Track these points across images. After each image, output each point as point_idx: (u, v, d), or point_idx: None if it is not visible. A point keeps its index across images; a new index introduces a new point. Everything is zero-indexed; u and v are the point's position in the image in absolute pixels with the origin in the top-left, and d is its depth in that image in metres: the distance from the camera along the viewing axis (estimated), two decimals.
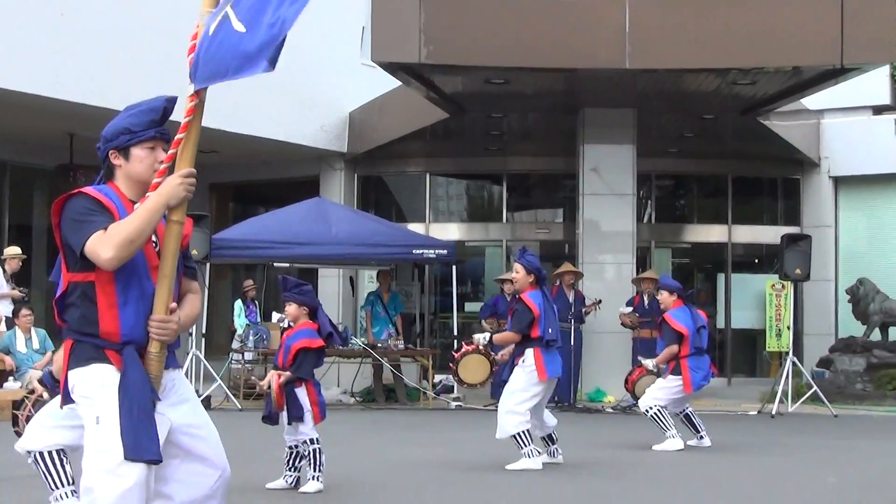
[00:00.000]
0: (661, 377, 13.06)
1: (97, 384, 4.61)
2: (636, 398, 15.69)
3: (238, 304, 20.05)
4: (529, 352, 10.85)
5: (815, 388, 17.65)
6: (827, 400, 17.36)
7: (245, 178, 24.53)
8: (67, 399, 4.74)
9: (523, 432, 10.67)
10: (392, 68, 17.95)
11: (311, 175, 23.67)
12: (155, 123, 4.78)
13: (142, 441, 4.49)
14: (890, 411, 18.04)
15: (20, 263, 17.11)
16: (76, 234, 4.57)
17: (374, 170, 24.31)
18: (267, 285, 21.15)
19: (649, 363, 14.00)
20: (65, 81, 17.68)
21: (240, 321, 19.75)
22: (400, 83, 19.52)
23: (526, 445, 10.67)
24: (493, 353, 13.56)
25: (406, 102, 21.10)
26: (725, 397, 20.42)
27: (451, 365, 14.47)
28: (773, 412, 17.05)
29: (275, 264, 19.14)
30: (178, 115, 4.73)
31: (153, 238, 4.71)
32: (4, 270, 16.56)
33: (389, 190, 25.36)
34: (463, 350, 14.23)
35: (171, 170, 4.69)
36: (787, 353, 18.42)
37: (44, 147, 20.76)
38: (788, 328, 19.78)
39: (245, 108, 20.23)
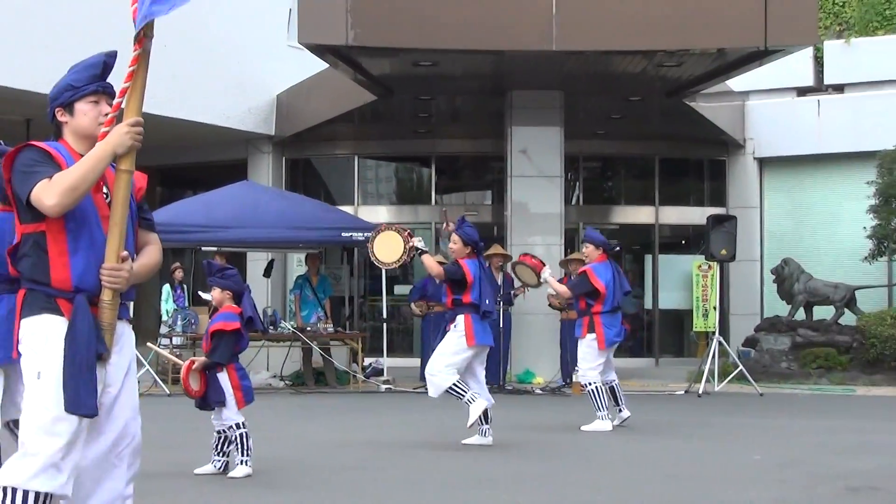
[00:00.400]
0: (578, 337, 13.02)
1: (42, 338, 4.65)
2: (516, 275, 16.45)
3: (166, 288, 19.90)
4: (461, 317, 11.03)
5: (741, 367, 17.84)
6: (753, 379, 17.57)
7: (172, 162, 24.31)
8: (16, 350, 4.79)
9: (455, 384, 10.84)
10: (319, 51, 17.87)
11: (238, 158, 23.52)
12: (96, 78, 4.87)
13: (80, 394, 4.54)
14: (814, 389, 18.28)
15: None
16: (23, 184, 4.63)
17: (303, 153, 24.21)
18: (195, 270, 21.00)
19: (547, 273, 13.98)
20: (20, 70, 17.46)
21: (167, 306, 19.60)
22: (328, 65, 19.43)
23: (465, 393, 10.84)
24: (411, 240, 13.23)
25: (334, 85, 21.01)
26: (653, 377, 20.60)
27: (370, 241, 14.31)
28: (700, 392, 17.22)
29: (203, 248, 19.00)
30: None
31: (104, 189, 4.77)
32: None
33: (318, 173, 25.27)
34: (392, 226, 13.96)
35: (118, 119, 4.74)
36: (713, 333, 18.60)
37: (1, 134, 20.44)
38: (715, 308, 19.97)
39: (171, 91, 20.04)
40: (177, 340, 18.48)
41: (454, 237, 11.30)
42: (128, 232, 4.77)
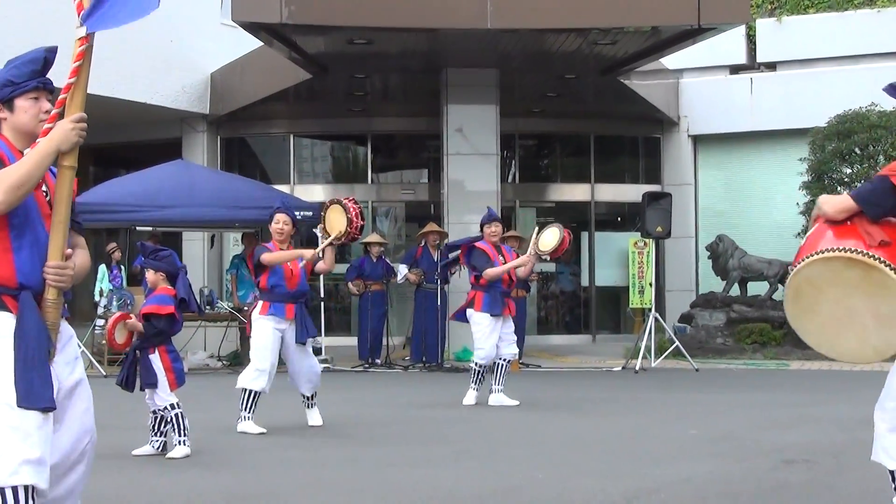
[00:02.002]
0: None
1: None
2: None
3: (101, 268, 19.73)
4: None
5: (677, 343, 17.99)
6: (688, 354, 17.72)
7: (105, 141, 24.03)
8: None
9: None
10: (253, 28, 17.76)
11: (173, 137, 23.35)
12: (37, 74, 4.79)
13: (35, 388, 4.48)
14: (749, 364, 18.47)
15: None
16: None
17: (238, 131, 24.07)
18: (130, 249, 20.81)
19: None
20: None
21: (103, 285, 19.43)
22: (262, 44, 19.32)
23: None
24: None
25: (268, 63, 20.89)
26: (590, 354, 20.73)
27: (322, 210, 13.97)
28: (637, 368, 17.35)
29: (138, 228, 18.85)
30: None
31: (44, 186, 4.72)
32: None
33: (253, 152, 25.15)
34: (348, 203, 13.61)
35: (61, 115, 4.70)
36: (649, 310, 18.73)
37: None
38: (651, 285, 20.11)
39: (102, 69, 19.73)
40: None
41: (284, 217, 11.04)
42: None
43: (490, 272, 12.75)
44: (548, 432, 10.70)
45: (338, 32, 17.89)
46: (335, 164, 25.64)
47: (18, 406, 4.46)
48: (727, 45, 22.65)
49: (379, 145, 24.72)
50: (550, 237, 13.04)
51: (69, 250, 4.71)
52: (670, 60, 22.15)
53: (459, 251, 13.60)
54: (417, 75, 21.02)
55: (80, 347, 12.76)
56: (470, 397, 12.79)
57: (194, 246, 22.04)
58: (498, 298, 12.81)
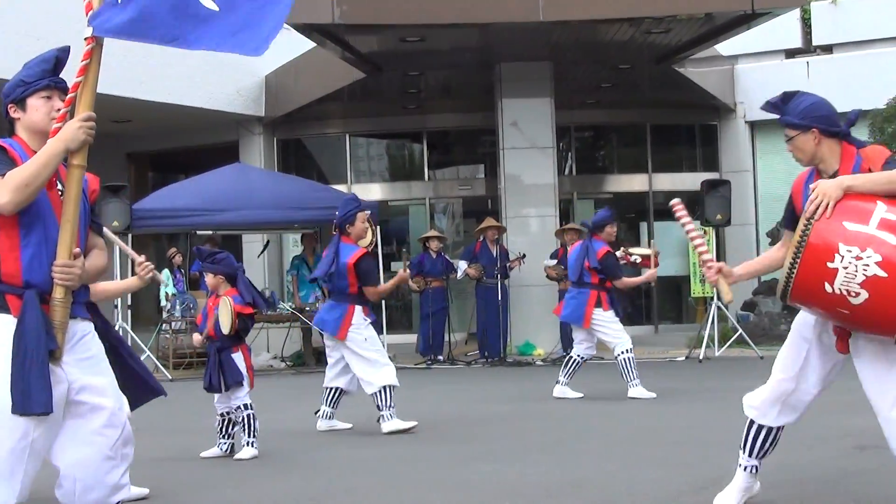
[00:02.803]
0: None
1: None
2: None
3: (165, 272, 19.91)
4: None
5: (740, 331, 17.88)
6: (752, 342, 17.60)
7: (163, 147, 24.27)
8: None
9: None
10: (306, 29, 17.81)
11: (229, 141, 23.47)
12: (48, 73, 4.82)
13: (31, 392, 4.45)
14: None
15: None
16: None
17: (293, 133, 24.15)
18: (190, 254, 20.97)
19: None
20: None
21: (167, 289, 19.60)
22: (315, 44, 19.38)
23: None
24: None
25: (322, 64, 20.94)
26: (653, 345, 20.63)
27: None
28: (701, 357, 17.26)
29: (198, 232, 18.97)
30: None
31: (59, 185, 4.73)
32: None
33: (310, 153, 25.22)
34: None
35: (71, 115, 4.70)
36: (711, 299, 18.63)
37: None
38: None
39: (158, 76, 20.00)
40: (176, 325, 18.47)
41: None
42: (80, 231, 4.74)
43: (627, 282, 13.08)
44: (614, 424, 10.67)
45: (389, 30, 17.91)
46: (391, 163, 25.66)
47: (13, 412, 4.44)
48: (782, 29, 22.43)
49: (434, 142, 24.71)
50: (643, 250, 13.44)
51: (77, 249, 4.69)
52: (725, 47, 21.97)
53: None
54: (471, 71, 21.00)
55: (145, 351, 12.79)
56: (640, 391, 12.68)
57: (254, 248, 22.13)
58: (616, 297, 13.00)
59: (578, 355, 12.89)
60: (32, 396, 4.45)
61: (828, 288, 5.21)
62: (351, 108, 23.64)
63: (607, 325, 12.82)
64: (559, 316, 13.73)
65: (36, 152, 4.69)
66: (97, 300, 7.09)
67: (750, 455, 6.28)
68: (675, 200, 6.43)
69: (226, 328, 8.97)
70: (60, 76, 4.85)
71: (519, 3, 17.12)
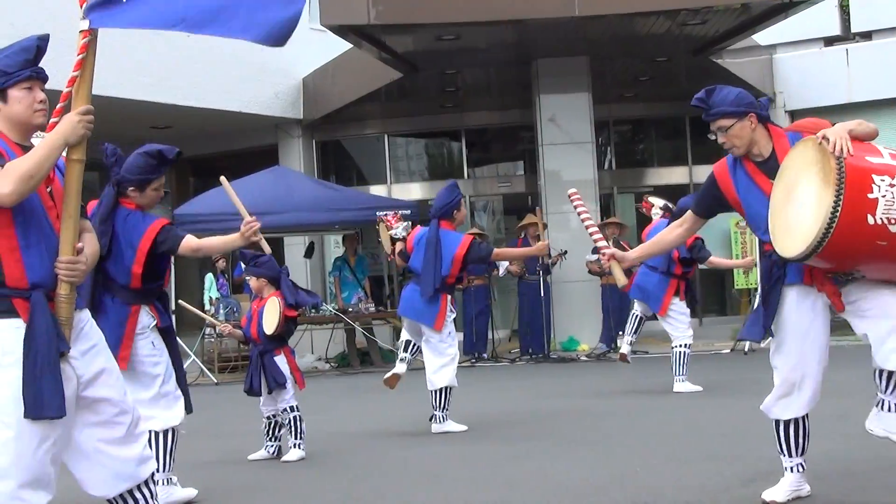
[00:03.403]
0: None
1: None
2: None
3: (209, 277, 19.99)
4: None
5: None
6: None
7: (203, 152, 24.36)
8: None
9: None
10: (342, 31, 17.86)
11: (268, 144, 23.56)
12: (29, 63, 4.71)
13: (44, 396, 4.44)
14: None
15: None
16: None
17: (332, 134, 24.21)
18: (233, 258, 21.05)
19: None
20: None
21: (212, 293, 19.68)
22: (351, 46, 19.42)
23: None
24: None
25: (359, 65, 20.99)
26: (697, 337, 20.36)
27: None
28: (746, 349, 17.16)
29: None
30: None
31: (60, 179, 4.72)
32: None
33: (349, 154, 25.27)
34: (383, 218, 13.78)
35: (66, 109, 4.68)
36: (755, 290, 18.52)
37: None
38: (756, 264, 19.87)
39: (197, 81, 20.09)
40: (220, 329, 18.52)
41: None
42: None
43: (716, 262, 13.51)
44: (659, 419, 10.62)
45: (425, 30, 17.93)
46: (430, 162, 25.68)
47: (25, 417, 4.42)
48: (820, 17, 22.28)
49: (473, 140, 24.71)
50: None
51: (80, 244, 4.68)
52: (762, 36, 21.86)
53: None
54: (508, 67, 20.99)
55: (190, 356, 12.86)
56: (686, 385, 12.68)
57: (295, 251, 22.20)
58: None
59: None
60: (45, 401, 4.44)
61: (870, 220, 5.37)
62: (389, 109, 23.68)
63: (679, 316, 12.97)
64: (629, 293, 13.56)
65: (19, 146, 4.65)
66: (202, 254, 7.18)
67: (789, 454, 6.33)
68: (572, 190, 6.81)
69: (270, 328, 8.98)
70: (41, 66, 4.77)
71: None
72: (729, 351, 17.63)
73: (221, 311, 18.34)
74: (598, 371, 13.57)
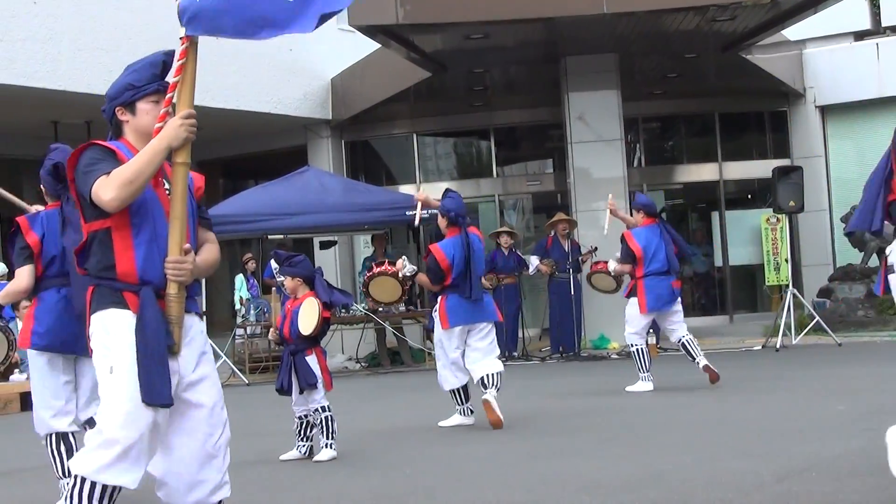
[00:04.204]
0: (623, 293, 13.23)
1: (111, 332, 4.70)
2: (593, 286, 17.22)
3: (239, 278, 20.05)
4: (439, 299, 10.64)
5: (817, 318, 17.69)
6: (830, 329, 17.41)
7: (233, 153, 24.47)
8: (88, 344, 4.85)
9: (452, 392, 10.63)
10: (370, 31, 17.89)
11: (298, 144, 23.62)
12: (156, 77, 4.89)
13: (155, 384, 4.59)
14: (893, 336, 18.08)
15: None
16: (84, 182, 4.66)
17: (361, 134, 24.25)
18: (263, 258, 21.12)
19: (612, 264, 13.99)
20: (45, 69, 17.61)
21: (242, 294, 19.74)
22: (380, 46, 19.44)
23: (460, 404, 10.67)
24: (407, 284, 13.48)
25: (387, 65, 21.02)
26: (728, 334, 20.48)
27: (363, 288, 14.59)
28: (778, 346, 17.10)
29: (269, 237, 19.11)
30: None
31: (165, 184, 4.82)
32: None
33: (378, 154, 25.31)
34: (382, 269, 14.00)
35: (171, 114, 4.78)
36: (786, 286, 18.45)
37: (28, 137, 20.70)
38: (786, 261, 19.81)
39: (226, 83, 20.16)
40: (251, 330, 18.60)
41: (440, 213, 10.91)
42: (189, 228, 4.83)
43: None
44: (692, 416, 10.59)
45: (453, 29, 17.93)
46: (459, 161, 25.68)
47: (143, 401, 4.57)
48: (850, 11, 22.16)
49: (502, 138, 24.70)
50: None
51: (187, 245, 4.77)
52: (792, 31, 21.78)
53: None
54: (536, 66, 20.97)
55: (221, 357, 12.92)
56: (648, 384, 12.74)
57: (326, 251, 22.26)
58: None
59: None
60: (156, 389, 4.59)
61: None
62: (417, 108, 23.70)
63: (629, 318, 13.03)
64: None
65: None
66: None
67: None
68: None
69: (308, 328, 8.97)
70: (165, 79, 4.91)
71: None
72: (760, 347, 17.55)
73: (252, 312, 18.39)
74: (630, 369, 13.53)
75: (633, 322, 12.86)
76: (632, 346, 12.82)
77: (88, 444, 4.66)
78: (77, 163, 4.75)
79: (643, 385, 12.63)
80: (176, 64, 4.74)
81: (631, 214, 13.51)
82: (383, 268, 14.54)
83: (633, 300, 12.83)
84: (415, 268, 11.29)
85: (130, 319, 4.68)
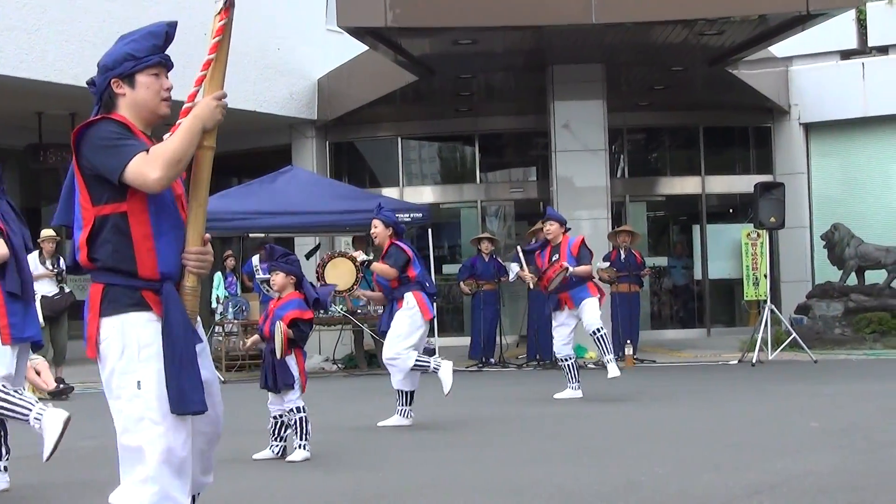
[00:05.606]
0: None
1: (135, 342, 4.32)
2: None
3: (217, 276, 20.00)
4: (409, 295, 11.00)
5: (794, 334, 17.74)
6: (806, 346, 17.46)
7: (216, 150, 24.39)
8: (95, 349, 4.39)
9: (417, 359, 10.99)
10: (359, 33, 17.88)
11: (282, 144, 23.59)
12: (158, 49, 4.49)
13: (186, 391, 4.25)
14: (869, 354, 18.15)
15: (54, 245, 16.23)
16: (113, 158, 4.25)
17: (346, 136, 24.24)
18: (243, 257, 21.08)
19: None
20: (29, 60, 17.55)
21: (219, 292, 19.69)
22: (367, 48, 19.43)
23: (428, 363, 11.09)
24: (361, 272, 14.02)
25: (374, 67, 21.01)
26: (705, 348, 20.52)
27: (318, 269, 14.84)
28: (754, 361, 17.14)
29: (250, 235, 19.07)
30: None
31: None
32: (41, 252, 15.90)
33: (362, 156, 25.29)
34: (342, 251, 14.20)
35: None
36: (764, 302, 18.49)
37: (11, 127, 20.63)
38: (765, 276, 19.85)
39: None
40: (228, 328, 18.56)
41: (374, 221, 11.11)
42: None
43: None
44: (666, 427, 10.61)
45: (442, 33, 17.94)
46: (443, 165, 25.70)
47: (172, 412, 4.24)
48: (837, 30, 22.26)
49: (486, 144, 24.72)
50: None
51: (208, 234, 4.52)
52: (779, 48, 21.85)
53: None
54: (523, 73, 21.00)
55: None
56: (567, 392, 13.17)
57: (306, 251, 22.23)
58: None
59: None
60: (188, 396, 4.26)
61: None
62: (403, 111, 23.69)
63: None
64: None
65: (143, 133, 4.47)
66: None
67: None
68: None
69: (279, 352, 9.03)
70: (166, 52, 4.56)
71: (571, 5, 17.10)
72: (737, 362, 17.59)
73: (230, 310, 18.35)
74: (606, 378, 13.54)
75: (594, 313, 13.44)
76: (598, 329, 13.30)
77: (132, 474, 4.31)
78: (89, 136, 4.32)
79: (572, 393, 13.18)
80: (211, 41, 4.45)
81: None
82: (338, 253, 14.80)
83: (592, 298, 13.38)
84: (370, 258, 11.68)
85: (155, 324, 4.32)
